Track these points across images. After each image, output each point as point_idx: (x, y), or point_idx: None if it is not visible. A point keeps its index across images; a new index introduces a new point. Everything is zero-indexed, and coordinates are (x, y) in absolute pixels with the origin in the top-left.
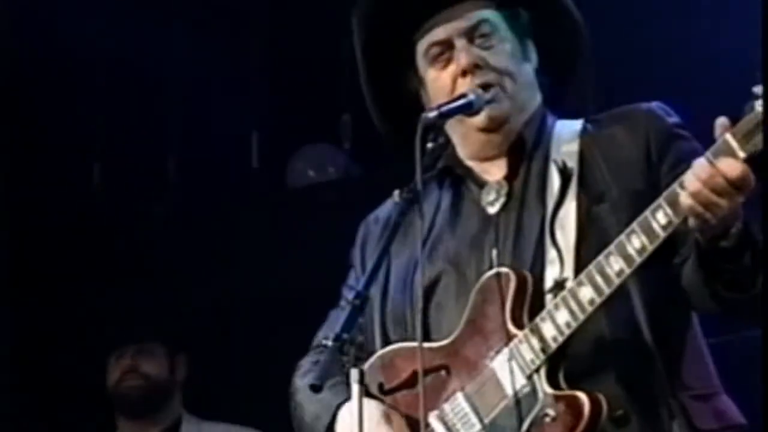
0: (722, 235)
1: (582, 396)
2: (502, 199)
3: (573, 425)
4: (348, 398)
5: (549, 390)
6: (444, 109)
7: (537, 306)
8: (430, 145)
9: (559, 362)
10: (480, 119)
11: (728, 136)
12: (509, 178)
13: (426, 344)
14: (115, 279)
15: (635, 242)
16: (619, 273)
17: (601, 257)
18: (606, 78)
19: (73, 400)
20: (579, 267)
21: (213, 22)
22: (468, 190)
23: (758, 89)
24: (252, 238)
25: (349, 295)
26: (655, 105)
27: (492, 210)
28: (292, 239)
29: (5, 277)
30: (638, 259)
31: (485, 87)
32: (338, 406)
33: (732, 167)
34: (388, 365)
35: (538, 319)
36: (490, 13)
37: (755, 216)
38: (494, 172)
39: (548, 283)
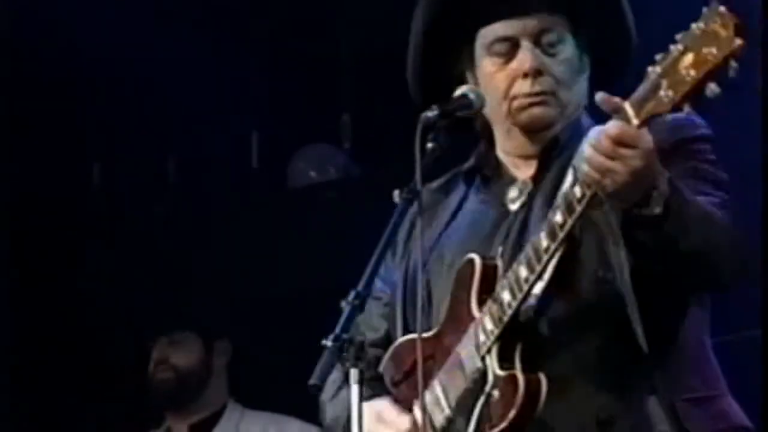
0: (642, 202)
1: (518, 374)
2: (523, 198)
3: (510, 404)
4: (364, 398)
5: (498, 371)
6: (444, 108)
7: None
8: (430, 144)
9: (515, 343)
10: (525, 118)
11: (626, 104)
12: (535, 178)
13: (423, 335)
14: (115, 279)
15: (558, 217)
16: (546, 249)
17: (534, 237)
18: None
19: (69, 398)
20: None
21: (213, 21)
22: (494, 188)
23: (659, 56)
24: (252, 239)
25: (378, 285)
26: (683, 115)
27: (512, 207)
28: (292, 239)
29: (4, 277)
30: (560, 234)
31: (542, 93)
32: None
33: (612, 126)
34: (396, 358)
35: (489, 302)
36: (559, 21)
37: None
38: (524, 170)
39: None
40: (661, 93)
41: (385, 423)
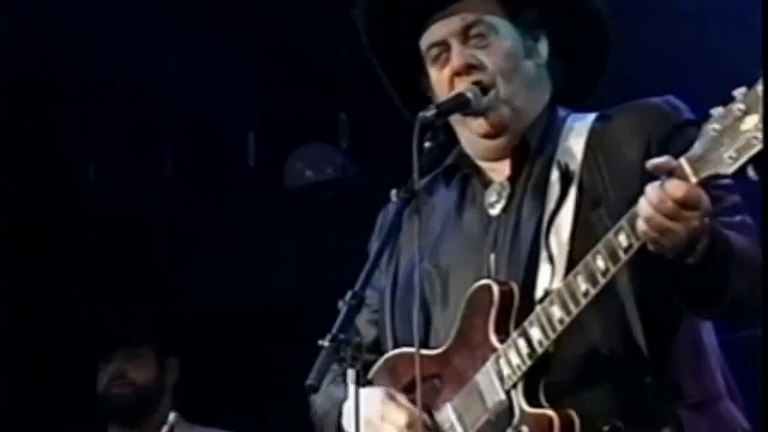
0: (688, 252)
1: (552, 414)
2: (503, 201)
3: None
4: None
5: (525, 406)
6: (441, 108)
7: (524, 319)
8: (427, 144)
9: (539, 378)
10: (480, 126)
11: (683, 160)
12: (512, 179)
13: (424, 351)
14: (110, 279)
15: (600, 263)
16: (586, 293)
17: (570, 277)
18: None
19: (66, 403)
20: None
21: (210, 21)
22: (473, 189)
23: (714, 111)
24: (249, 238)
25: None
26: (665, 101)
27: (493, 212)
28: (289, 239)
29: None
30: (602, 281)
31: (482, 89)
32: (344, 400)
33: (677, 188)
34: (392, 369)
35: (514, 335)
36: (490, 8)
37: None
38: (499, 171)
39: (539, 292)
40: (724, 154)
41: (395, 401)
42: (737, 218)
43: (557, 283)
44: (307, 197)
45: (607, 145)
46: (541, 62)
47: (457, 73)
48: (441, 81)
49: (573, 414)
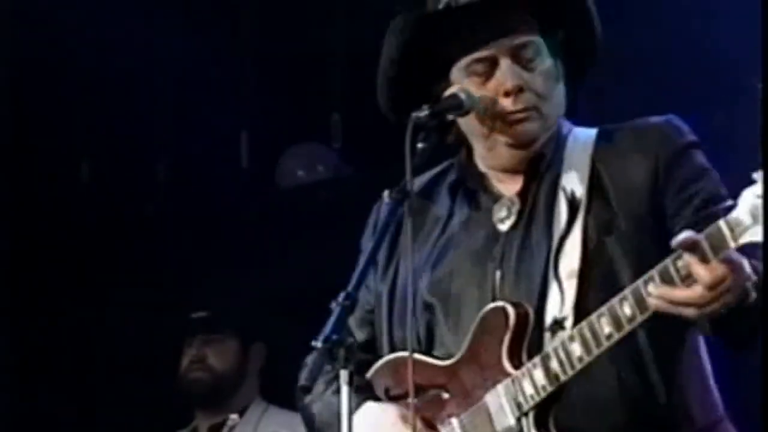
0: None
1: None
2: (513, 217)
3: None
4: (358, 403)
5: None
6: (435, 108)
7: (535, 344)
8: (420, 145)
9: (551, 406)
10: (510, 136)
11: (702, 239)
12: (522, 194)
13: (429, 360)
14: (104, 279)
15: (627, 309)
16: (609, 336)
17: (593, 317)
18: (596, 79)
19: (60, 395)
20: (579, 304)
21: (202, 20)
22: (481, 203)
23: (756, 175)
24: (242, 238)
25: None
26: (668, 121)
27: (502, 227)
28: (282, 239)
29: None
30: (627, 327)
31: (524, 110)
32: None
33: (688, 295)
34: (393, 372)
35: (530, 365)
36: (533, 35)
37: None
38: (510, 185)
39: (548, 319)
40: (751, 225)
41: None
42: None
43: (566, 311)
44: (301, 197)
45: (612, 166)
46: (562, 81)
47: (507, 93)
48: (479, 95)
49: None
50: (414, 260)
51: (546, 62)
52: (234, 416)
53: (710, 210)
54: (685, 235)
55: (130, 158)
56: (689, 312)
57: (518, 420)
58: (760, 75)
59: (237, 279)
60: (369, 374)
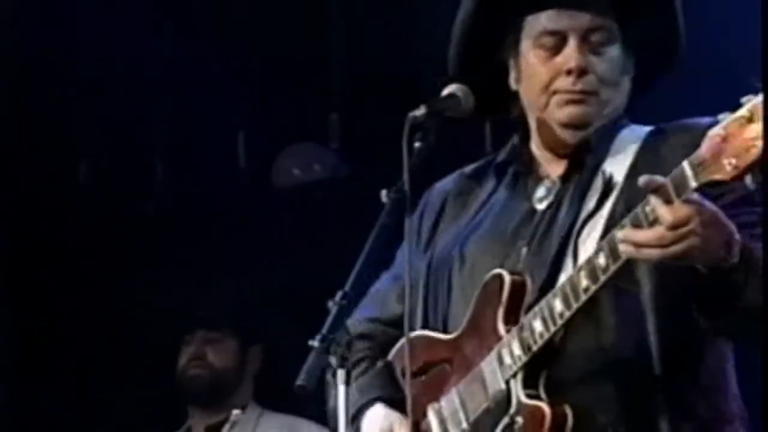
0: (722, 264)
1: (544, 407)
2: (551, 197)
3: None
4: (373, 400)
5: (522, 397)
6: (432, 108)
7: None
8: (418, 144)
9: (540, 370)
10: (564, 115)
11: (668, 181)
12: (564, 177)
13: (436, 335)
14: (104, 279)
15: (601, 260)
16: (586, 289)
17: (574, 272)
18: None
19: (60, 395)
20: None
21: (200, 20)
22: (523, 185)
23: (721, 116)
24: (240, 238)
25: (399, 260)
26: (711, 123)
27: (540, 206)
28: (280, 238)
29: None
30: (602, 277)
31: (583, 92)
32: (361, 408)
33: (648, 236)
34: (410, 351)
35: (518, 327)
36: (608, 21)
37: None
38: (555, 168)
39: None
40: (724, 160)
41: None
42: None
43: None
44: (298, 197)
45: (654, 163)
46: (631, 76)
47: (570, 71)
48: (540, 69)
49: (567, 410)
50: (453, 233)
51: (615, 51)
52: (237, 411)
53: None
54: (651, 176)
55: (128, 158)
56: (653, 253)
57: (507, 382)
58: (760, 75)
59: (235, 279)
60: (391, 355)
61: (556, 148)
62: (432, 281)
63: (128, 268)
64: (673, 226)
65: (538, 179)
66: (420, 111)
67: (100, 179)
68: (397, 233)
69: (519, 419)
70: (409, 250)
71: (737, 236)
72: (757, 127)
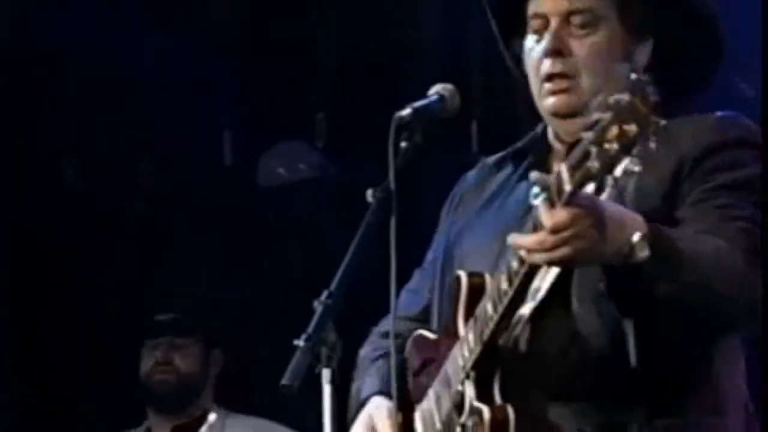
0: (627, 255)
1: (484, 409)
2: (546, 192)
3: None
4: (373, 394)
5: (473, 400)
6: (417, 107)
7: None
8: (404, 144)
9: (492, 371)
10: (547, 104)
11: (552, 178)
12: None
13: (429, 334)
14: (103, 278)
15: (514, 263)
16: (505, 293)
17: (499, 274)
18: None
19: (45, 399)
20: (560, 275)
21: (187, 20)
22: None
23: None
24: (225, 237)
25: (429, 257)
26: (724, 116)
27: (536, 202)
28: (265, 237)
29: None
30: (516, 280)
31: (560, 76)
32: (362, 403)
33: (529, 241)
34: (413, 349)
35: (469, 327)
36: (598, 2)
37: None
38: (561, 160)
39: (534, 284)
40: (589, 163)
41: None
42: (721, 200)
43: (543, 282)
44: (284, 196)
45: (651, 155)
46: (638, 66)
47: (547, 54)
48: (531, 54)
49: (508, 407)
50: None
51: (603, 34)
52: (213, 415)
53: (711, 194)
54: (541, 174)
55: (112, 157)
56: (539, 258)
57: (462, 383)
58: (748, 78)
59: (215, 279)
60: (406, 353)
61: (562, 136)
62: (440, 278)
63: (113, 267)
64: (553, 231)
65: (548, 172)
66: (406, 111)
67: (86, 179)
68: (382, 233)
69: (469, 422)
70: (393, 248)
71: (645, 230)
72: (615, 129)
